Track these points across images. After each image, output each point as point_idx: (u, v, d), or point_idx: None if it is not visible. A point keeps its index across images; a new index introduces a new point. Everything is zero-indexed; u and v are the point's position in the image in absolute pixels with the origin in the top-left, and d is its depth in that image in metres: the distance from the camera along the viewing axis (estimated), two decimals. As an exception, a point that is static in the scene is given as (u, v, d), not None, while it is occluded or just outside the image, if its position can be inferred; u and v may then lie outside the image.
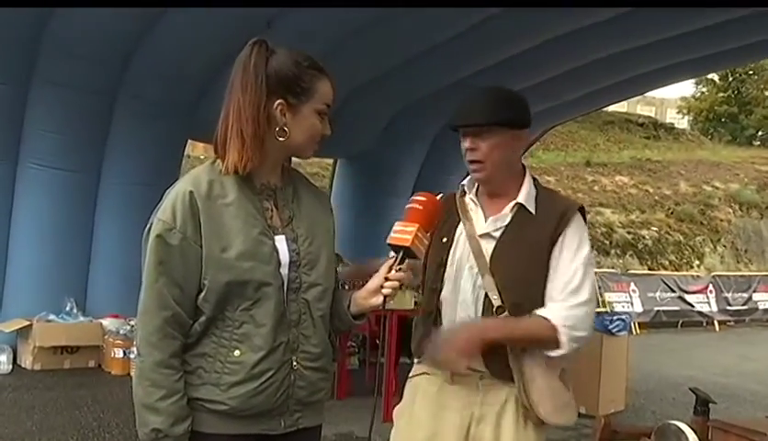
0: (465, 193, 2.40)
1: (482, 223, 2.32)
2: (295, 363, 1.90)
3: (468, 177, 2.40)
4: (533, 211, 2.28)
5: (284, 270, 1.89)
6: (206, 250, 1.82)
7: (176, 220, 1.82)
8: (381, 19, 7.11)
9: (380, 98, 9.03)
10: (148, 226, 1.87)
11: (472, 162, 2.29)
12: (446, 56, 8.05)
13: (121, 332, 7.34)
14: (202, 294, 1.84)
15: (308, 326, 1.93)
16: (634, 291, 13.12)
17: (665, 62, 8.87)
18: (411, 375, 2.44)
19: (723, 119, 31.00)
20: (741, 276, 15.35)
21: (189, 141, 9.14)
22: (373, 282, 1.95)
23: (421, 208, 2.01)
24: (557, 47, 8.02)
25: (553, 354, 2.19)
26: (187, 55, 7.35)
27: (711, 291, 14.10)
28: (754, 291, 14.78)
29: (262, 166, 1.91)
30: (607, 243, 15.59)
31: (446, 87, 8.58)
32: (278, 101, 1.86)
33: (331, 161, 11.48)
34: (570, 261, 2.22)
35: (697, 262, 16.44)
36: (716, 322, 13.95)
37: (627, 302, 12.92)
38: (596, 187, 18.15)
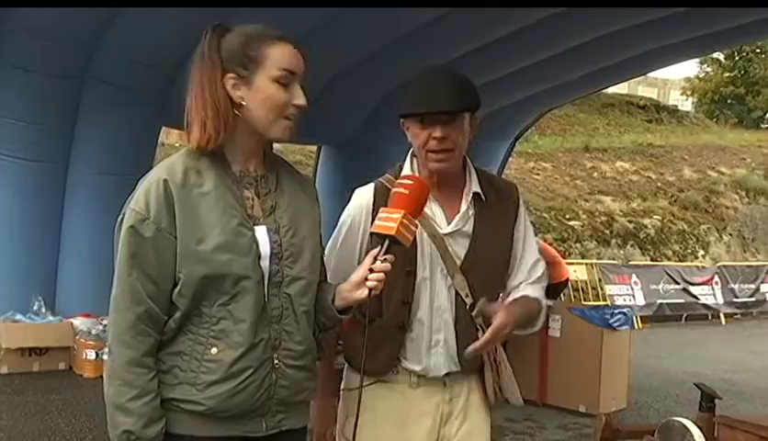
0: None
1: (443, 221, 2.28)
2: (276, 361, 1.90)
3: (407, 167, 2.34)
4: (484, 199, 2.32)
5: (264, 263, 1.89)
6: (180, 242, 1.82)
7: (150, 210, 1.82)
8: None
9: (366, 82, 9.01)
10: (120, 217, 1.87)
11: (441, 151, 2.22)
12: (434, 37, 8.02)
13: (93, 332, 7.32)
14: (177, 288, 1.84)
15: (290, 322, 1.93)
16: (636, 284, 13.18)
17: (668, 40, 8.88)
18: (351, 386, 2.34)
19: (729, 101, 31.11)
20: (749, 266, 15.44)
21: (163, 127, 9.09)
22: (357, 274, 1.95)
23: (407, 192, 1.99)
24: (553, 25, 8.01)
25: (532, 330, 2.38)
26: (160, 37, 7.31)
27: (717, 283, 14.16)
28: (762, 282, 14.87)
29: (236, 151, 1.92)
30: (607, 232, 15.64)
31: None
32: (229, 76, 1.87)
33: (314, 148, 11.45)
34: (531, 244, 2.41)
35: (702, 252, 16.52)
36: (722, 316, 14.02)
37: (629, 295, 12.98)
38: (596, 174, 18.19)
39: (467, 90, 2.27)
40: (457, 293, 2.26)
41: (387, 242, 1.93)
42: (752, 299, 14.68)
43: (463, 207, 2.29)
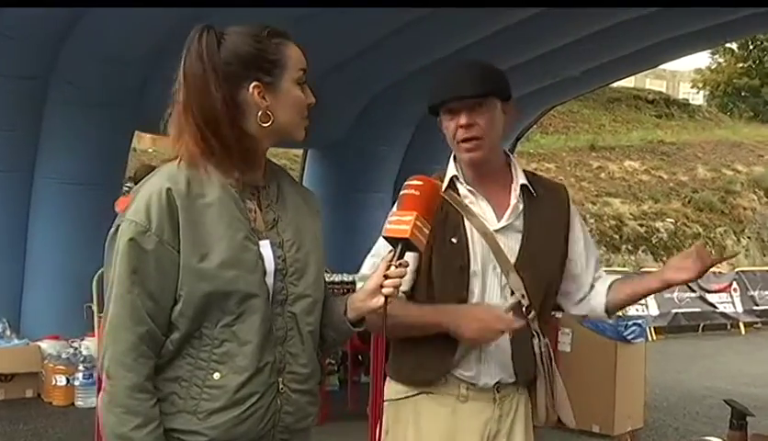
0: (453, 184, 2.41)
1: (492, 216, 2.37)
2: (281, 385, 1.91)
3: (451, 165, 2.43)
4: (534, 193, 2.41)
5: (268, 280, 1.90)
6: (183, 257, 1.82)
7: (152, 221, 1.81)
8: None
9: (355, 80, 9.01)
10: (113, 228, 1.87)
11: (469, 140, 2.33)
12: (428, 31, 8.04)
13: (63, 356, 7.27)
14: (178, 307, 1.84)
15: (295, 343, 1.94)
16: (648, 292, 13.15)
17: (676, 31, 8.91)
18: (401, 395, 2.42)
19: (743, 93, 31.27)
20: (769, 270, 15.48)
21: (136, 132, 9.04)
22: (371, 281, 1.96)
23: (418, 193, 2.02)
24: (555, 17, 8.02)
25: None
26: (131, 34, 7.29)
27: (735, 290, 14.18)
28: (784, 289, 14.90)
29: (242, 160, 1.92)
30: (617, 237, 15.67)
31: (430, 65, 8.56)
32: (253, 84, 1.87)
33: (300, 152, 11.43)
34: (592, 245, 2.57)
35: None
36: (741, 325, 14.05)
37: (641, 305, 12.93)
38: (603, 175, 18.25)
39: (490, 75, 2.38)
40: (512, 293, 2.34)
41: (401, 246, 1.96)
42: (773, 306, 14.70)
43: (513, 200, 2.38)
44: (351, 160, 10.05)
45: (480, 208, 2.38)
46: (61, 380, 7.16)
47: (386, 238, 2.01)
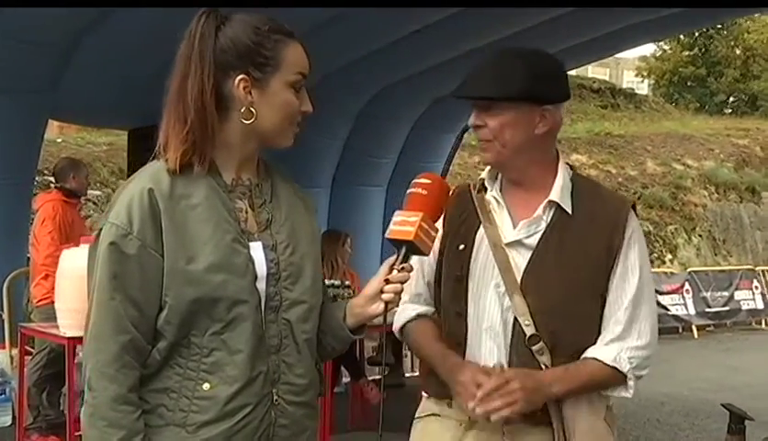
0: (484, 188, 2.36)
1: (509, 228, 2.27)
2: (276, 397, 1.94)
3: (489, 168, 2.37)
4: (569, 211, 2.25)
5: (260, 284, 1.92)
6: (168, 261, 1.84)
7: (133, 223, 1.84)
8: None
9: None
10: (96, 232, 1.89)
11: (482, 140, 2.27)
12: (369, 17, 8.03)
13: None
14: (163, 314, 1.86)
15: (291, 352, 1.96)
16: (598, 294, 13.42)
17: (629, 20, 9.11)
18: (417, 414, 2.39)
19: (689, 83, 32.12)
20: (721, 271, 15.92)
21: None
22: (371, 286, 1.99)
23: (425, 192, 2.04)
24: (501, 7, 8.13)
25: (617, 394, 2.27)
26: (45, 16, 7.13)
27: (687, 291, 14.54)
28: (736, 289, 15.34)
29: (231, 158, 1.95)
30: (565, 236, 15.91)
31: (372, 54, 8.60)
32: (240, 77, 1.90)
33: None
34: (632, 283, 2.25)
35: (670, 256, 16.97)
36: (694, 328, 14.40)
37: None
38: (548, 169, 18.46)
39: (522, 73, 2.21)
40: (515, 320, 2.20)
41: (404, 249, 1.98)
42: (726, 308, 15.13)
43: (536, 213, 2.24)
44: (286, 152, 9.96)
45: (501, 217, 2.28)
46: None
47: (389, 240, 2.01)
